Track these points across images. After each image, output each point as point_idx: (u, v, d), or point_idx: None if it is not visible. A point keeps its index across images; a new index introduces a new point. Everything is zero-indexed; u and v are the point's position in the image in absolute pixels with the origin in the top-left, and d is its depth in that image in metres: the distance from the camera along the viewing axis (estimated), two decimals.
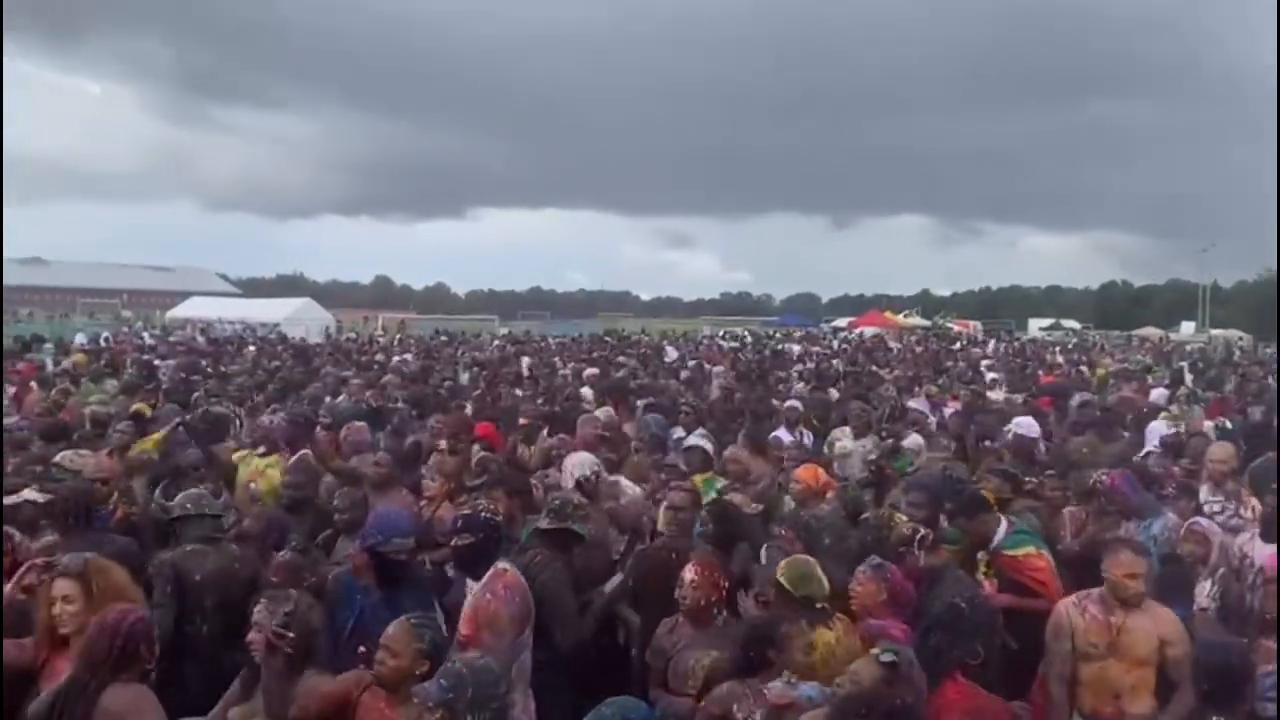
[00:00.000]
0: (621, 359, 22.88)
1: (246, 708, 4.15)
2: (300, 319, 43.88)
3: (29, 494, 5.68)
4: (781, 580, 4.67)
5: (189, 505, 5.49)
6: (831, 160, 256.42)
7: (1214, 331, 59.41)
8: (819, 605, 4.61)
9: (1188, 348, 40.94)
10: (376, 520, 5.14)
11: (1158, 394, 15.95)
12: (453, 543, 4.88)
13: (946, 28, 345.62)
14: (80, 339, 26.87)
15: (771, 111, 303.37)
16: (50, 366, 17.18)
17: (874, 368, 21.62)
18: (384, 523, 5.05)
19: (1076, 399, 13.57)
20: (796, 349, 31.73)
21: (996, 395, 15.35)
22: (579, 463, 6.70)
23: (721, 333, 48.22)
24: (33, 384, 13.38)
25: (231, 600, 4.97)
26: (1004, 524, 6.00)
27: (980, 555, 5.98)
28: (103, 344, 25.79)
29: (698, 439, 8.07)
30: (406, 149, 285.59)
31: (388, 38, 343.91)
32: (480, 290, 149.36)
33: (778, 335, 46.92)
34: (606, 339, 36.41)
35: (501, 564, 4.70)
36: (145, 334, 34.79)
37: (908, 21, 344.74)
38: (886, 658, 3.71)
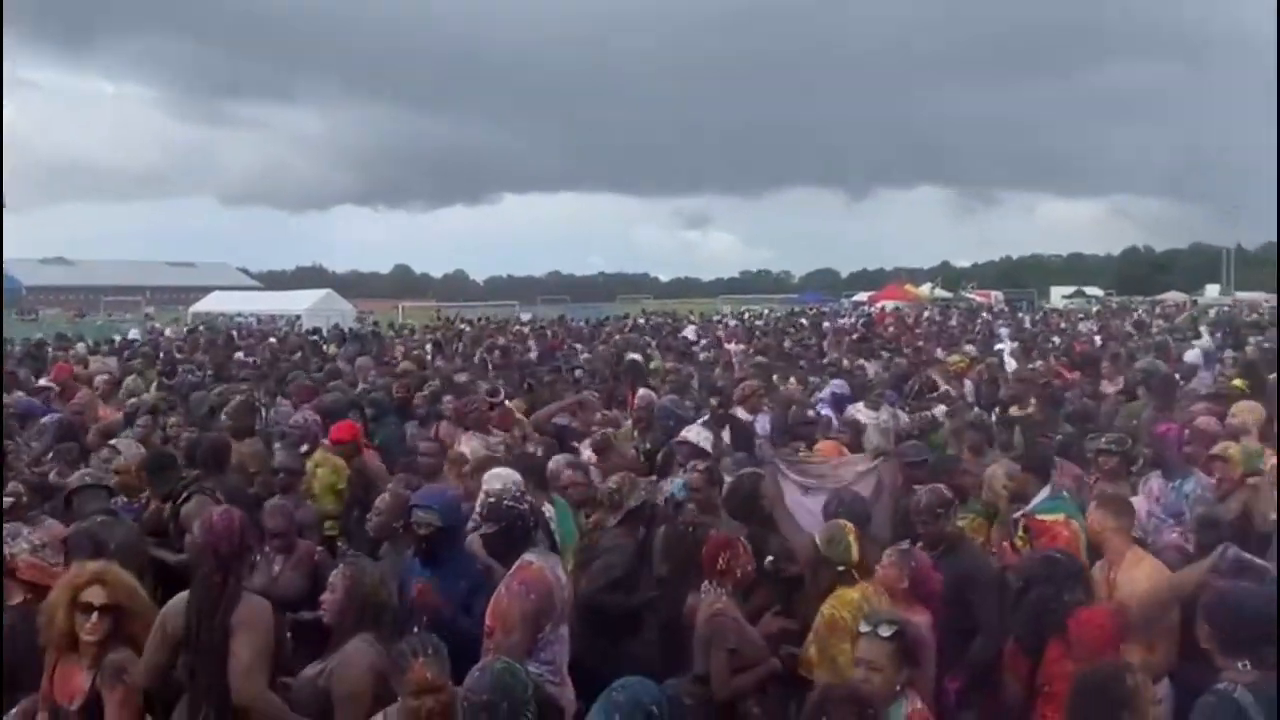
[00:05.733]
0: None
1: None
2: (322, 310, 44.14)
3: None
4: (817, 540, 4.90)
5: (87, 477, 6.14)
6: (846, 133, 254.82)
7: (1239, 294, 58.76)
8: (840, 568, 4.77)
9: (1211, 312, 40.54)
10: (418, 494, 5.34)
11: (1192, 355, 16.04)
12: (479, 531, 4.93)
13: None
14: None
15: (784, 86, 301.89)
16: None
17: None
18: (421, 496, 5.23)
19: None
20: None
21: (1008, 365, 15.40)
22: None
23: (742, 311, 48.07)
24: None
25: (133, 569, 5.02)
26: (1047, 489, 6.23)
27: (1016, 517, 6.08)
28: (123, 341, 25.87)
29: (695, 430, 7.70)
30: (421, 137, 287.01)
31: (397, 28, 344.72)
32: (499, 276, 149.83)
33: (798, 312, 46.69)
34: (624, 321, 36.44)
35: (528, 556, 4.66)
36: (169, 330, 34.96)
37: None
38: (886, 631, 3.80)
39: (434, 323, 37.60)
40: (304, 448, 7.84)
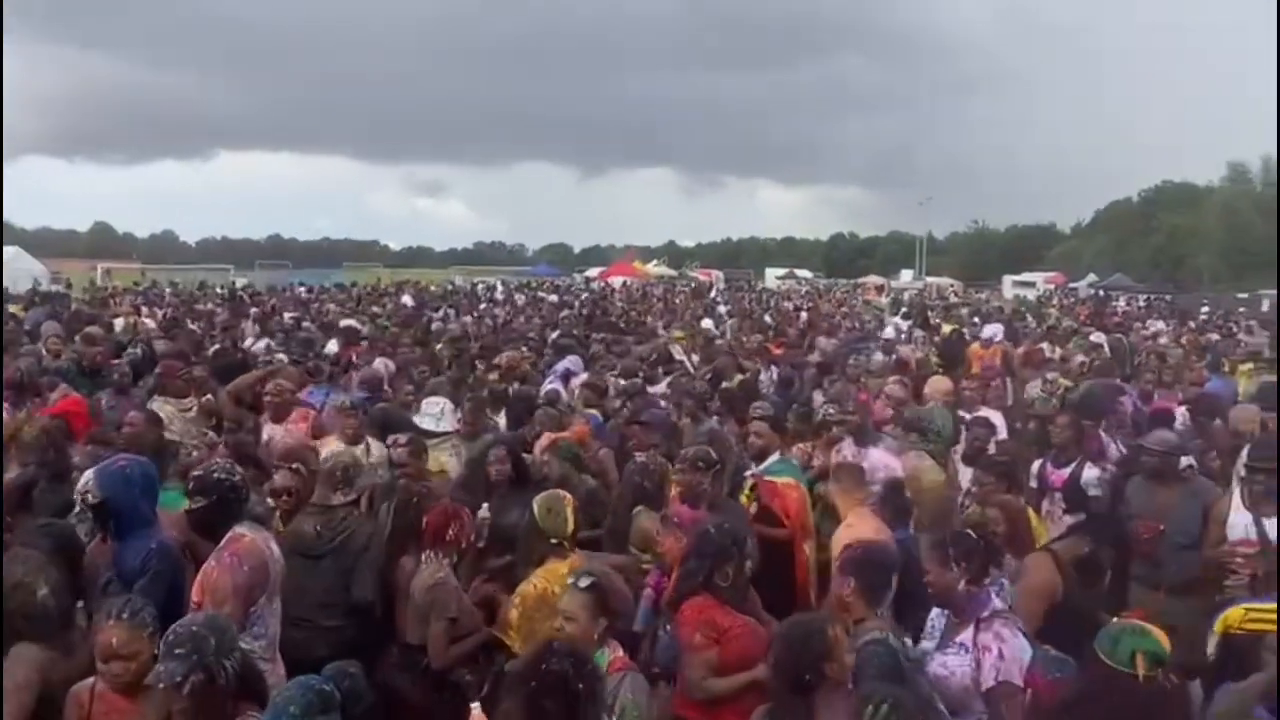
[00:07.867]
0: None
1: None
2: (7, 270, 39.80)
3: None
4: (534, 507, 4.87)
5: None
6: (580, 111, 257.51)
7: (929, 279, 64.48)
8: (554, 541, 4.79)
9: (906, 294, 44.27)
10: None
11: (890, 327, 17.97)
12: (187, 506, 4.66)
13: None
14: None
15: (522, 61, 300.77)
16: None
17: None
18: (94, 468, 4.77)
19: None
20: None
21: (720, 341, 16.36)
22: None
23: (477, 283, 47.79)
24: None
25: None
26: (776, 453, 6.59)
27: (746, 475, 6.39)
28: None
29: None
30: (125, 85, 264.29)
31: None
32: (213, 238, 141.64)
33: (533, 285, 46.94)
34: (349, 290, 35.30)
35: (240, 529, 4.47)
36: None
37: None
38: (584, 583, 3.89)
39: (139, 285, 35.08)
40: None
